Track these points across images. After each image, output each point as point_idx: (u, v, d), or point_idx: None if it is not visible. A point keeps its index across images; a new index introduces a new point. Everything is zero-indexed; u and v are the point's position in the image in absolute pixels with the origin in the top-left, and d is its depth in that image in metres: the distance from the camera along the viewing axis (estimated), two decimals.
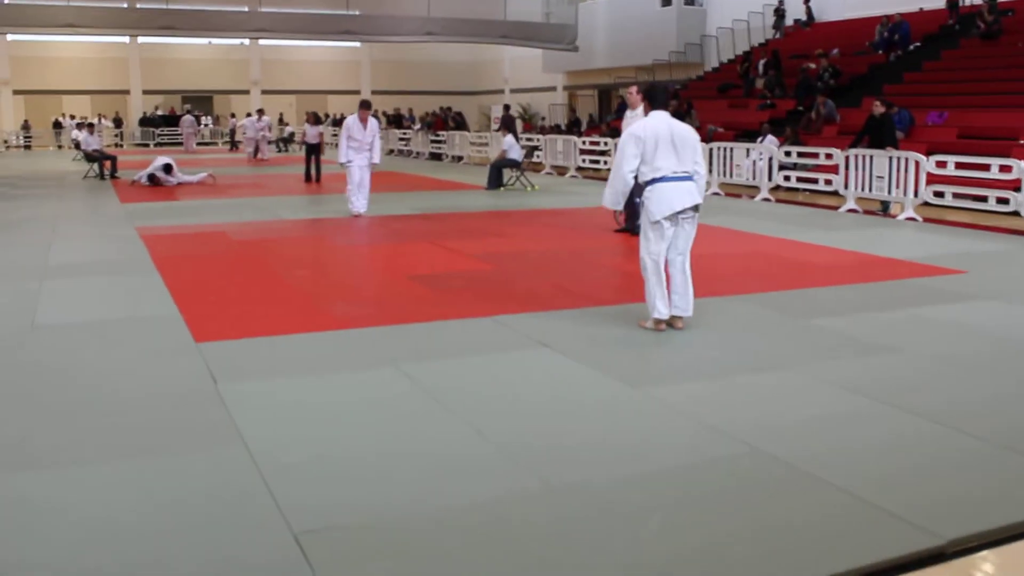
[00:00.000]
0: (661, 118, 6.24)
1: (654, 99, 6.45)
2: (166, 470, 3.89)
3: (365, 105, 13.45)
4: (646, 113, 6.53)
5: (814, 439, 4.25)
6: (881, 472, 3.86)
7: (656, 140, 6.10)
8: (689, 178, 6.18)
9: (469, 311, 6.96)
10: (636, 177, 6.28)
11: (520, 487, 3.72)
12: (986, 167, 12.80)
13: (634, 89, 11.22)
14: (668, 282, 6.32)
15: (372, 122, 13.32)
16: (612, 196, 6.45)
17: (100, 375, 5.35)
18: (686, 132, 6.24)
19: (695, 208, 6.22)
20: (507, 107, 26.40)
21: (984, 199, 12.80)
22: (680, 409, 4.67)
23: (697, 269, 6.88)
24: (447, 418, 4.55)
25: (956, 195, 13.10)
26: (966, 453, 4.11)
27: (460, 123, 31.55)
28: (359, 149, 13.13)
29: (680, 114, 23.42)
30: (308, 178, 19.96)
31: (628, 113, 11.15)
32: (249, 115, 32.09)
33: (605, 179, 14.25)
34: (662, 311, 6.29)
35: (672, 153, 6.11)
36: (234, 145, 35.93)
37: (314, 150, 20.07)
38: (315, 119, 21.35)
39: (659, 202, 6.13)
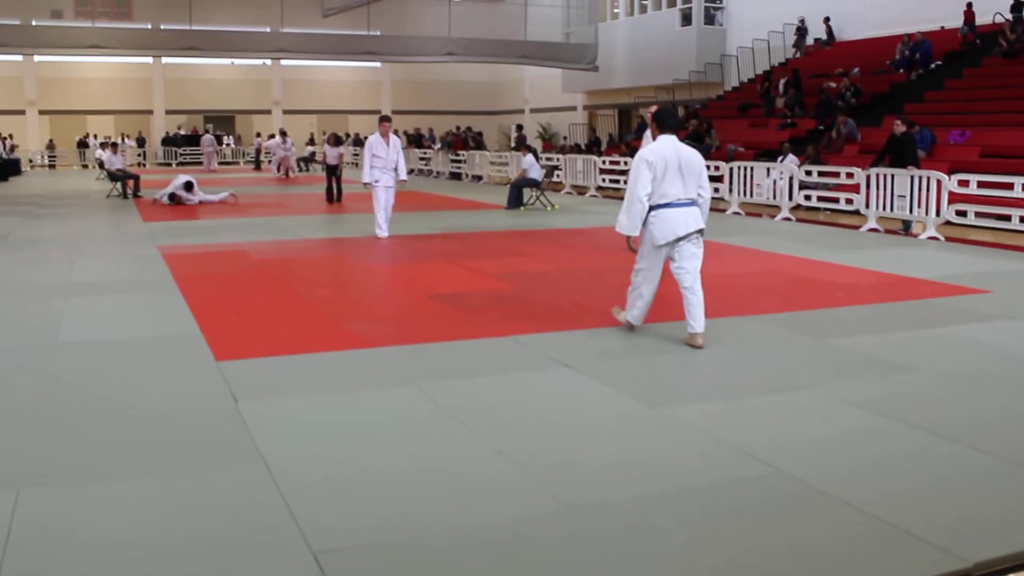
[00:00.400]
0: (669, 142, 6.39)
1: (663, 123, 6.58)
2: (186, 488, 3.91)
3: (385, 119, 12.90)
4: (654, 137, 6.64)
5: (834, 459, 4.22)
6: (902, 493, 3.83)
7: (665, 166, 6.27)
8: (692, 203, 6.38)
9: (489, 331, 6.97)
10: None
11: (540, 506, 3.71)
12: (1009, 186, 12.70)
13: (652, 108, 11.28)
14: (682, 302, 6.52)
15: (395, 138, 12.82)
16: (630, 222, 6.44)
17: (121, 393, 5.38)
18: (692, 157, 6.40)
19: (699, 231, 6.42)
20: (519, 127, 26.52)
21: (1007, 218, 12.71)
22: (700, 429, 4.65)
23: (717, 288, 6.98)
24: (467, 437, 4.55)
25: (979, 214, 13.02)
26: (987, 473, 4.07)
27: (479, 143, 31.67)
28: (384, 168, 12.61)
29: (699, 134, 23.50)
30: (330, 198, 20.00)
31: (647, 133, 11.18)
32: (272, 136, 32.29)
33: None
34: (635, 319, 6.77)
35: (679, 180, 6.30)
36: (258, 165, 36.16)
37: (334, 170, 20.19)
38: (335, 140, 21.41)
39: (663, 228, 6.35)
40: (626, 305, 6.83)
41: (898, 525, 3.49)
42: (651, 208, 6.35)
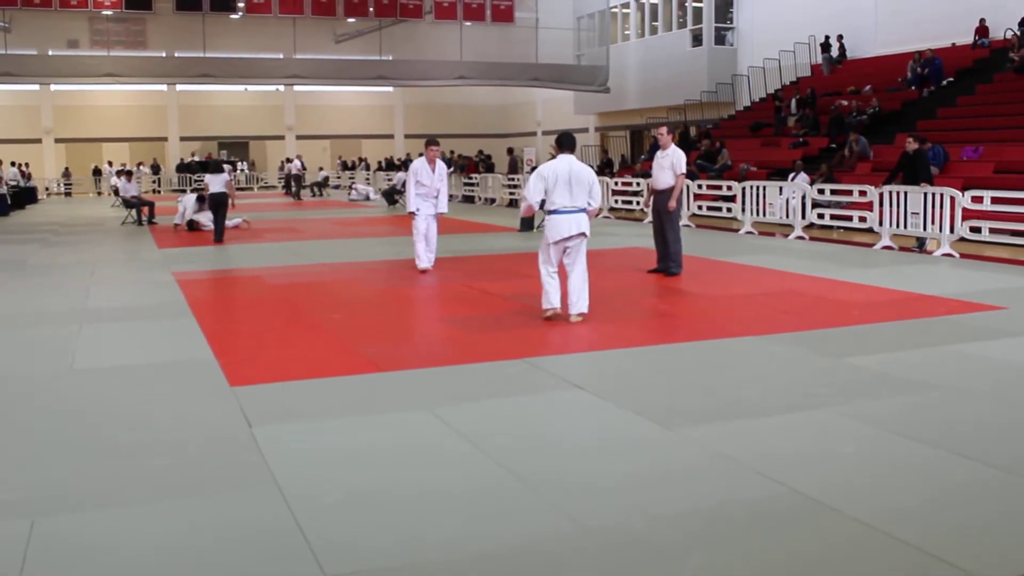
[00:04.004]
0: (565, 160, 7.96)
1: (563, 145, 8.11)
2: (201, 513, 3.91)
3: (432, 143, 11.79)
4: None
5: (852, 479, 4.19)
6: (921, 512, 3.80)
7: (556, 179, 7.83)
8: (580, 211, 7.91)
9: (502, 353, 6.96)
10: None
11: (556, 528, 3.69)
12: (1023, 201, 12.65)
13: (664, 129, 11.30)
14: (565, 285, 8.12)
15: (440, 165, 11.78)
16: (524, 205, 8.49)
17: (136, 419, 5.39)
18: (583, 173, 7.96)
19: (582, 234, 7.94)
20: (511, 150, 26.69)
21: (1022, 234, 12.65)
22: (716, 449, 4.62)
23: (732, 309, 6.95)
24: (481, 460, 4.54)
25: (993, 230, 12.95)
26: (1007, 493, 4.02)
27: (488, 166, 31.83)
28: (426, 196, 11.63)
29: (711, 153, 23.51)
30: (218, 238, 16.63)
31: (659, 153, 11.18)
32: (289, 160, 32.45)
33: (638, 219, 14.79)
34: (552, 303, 8.11)
35: (567, 192, 7.85)
36: (288, 190, 36.71)
37: (221, 203, 16.69)
38: (216, 166, 17.51)
39: (552, 230, 7.98)
40: (541, 300, 8.17)
41: (917, 545, 3.46)
42: (548, 213, 7.97)
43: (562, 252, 8.07)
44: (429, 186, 11.60)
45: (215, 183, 16.63)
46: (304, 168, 34.60)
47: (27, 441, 4.99)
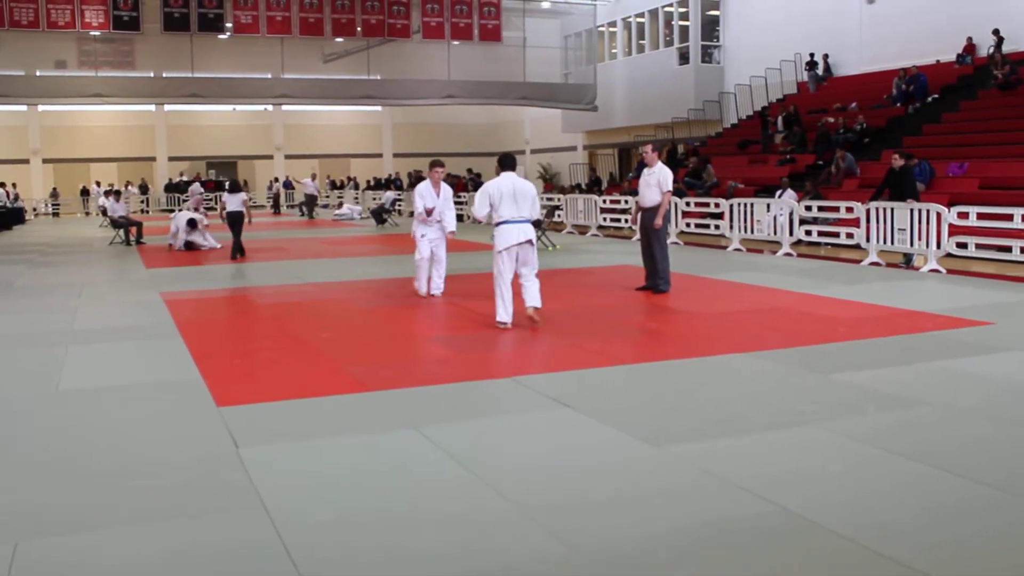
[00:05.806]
0: (508, 177, 8.66)
1: (504, 164, 8.80)
2: (187, 534, 3.88)
3: (437, 164, 11.38)
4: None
5: (839, 496, 4.19)
6: (909, 529, 3.80)
7: (500, 195, 8.50)
8: (526, 221, 8.59)
9: (489, 372, 6.96)
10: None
11: (544, 547, 3.68)
12: (1009, 217, 12.73)
13: (649, 147, 11.38)
14: (520, 291, 8.63)
15: (446, 187, 11.39)
16: (477, 215, 8.78)
17: (122, 440, 5.36)
18: (525, 188, 8.68)
19: (530, 241, 8.59)
20: (470, 171, 26.67)
21: (1008, 249, 12.72)
22: (703, 467, 4.62)
23: (720, 326, 6.93)
24: (468, 480, 4.52)
25: (979, 246, 13.03)
26: (996, 509, 4.03)
27: (477, 184, 31.99)
28: (429, 221, 11.25)
29: (697, 171, 23.61)
30: (236, 254, 16.85)
31: (646, 171, 11.21)
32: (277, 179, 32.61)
33: (627, 237, 14.90)
34: (504, 318, 8.64)
35: (513, 205, 8.52)
36: (277, 209, 37.36)
37: (237, 221, 16.89)
38: (234, 186, 18.12)
39: (501, 238, 8.58)
40: (496, 310, 8.67)
41: (905, 562, 3.46)
42: (497, 224, 8.60)
43: (515, 260, 8.59)
44: (433, 208, 11.20)
45: (232, 202, 17.02)
46: (292, 187, 34.95)
47: (11, 462, 4.96)
